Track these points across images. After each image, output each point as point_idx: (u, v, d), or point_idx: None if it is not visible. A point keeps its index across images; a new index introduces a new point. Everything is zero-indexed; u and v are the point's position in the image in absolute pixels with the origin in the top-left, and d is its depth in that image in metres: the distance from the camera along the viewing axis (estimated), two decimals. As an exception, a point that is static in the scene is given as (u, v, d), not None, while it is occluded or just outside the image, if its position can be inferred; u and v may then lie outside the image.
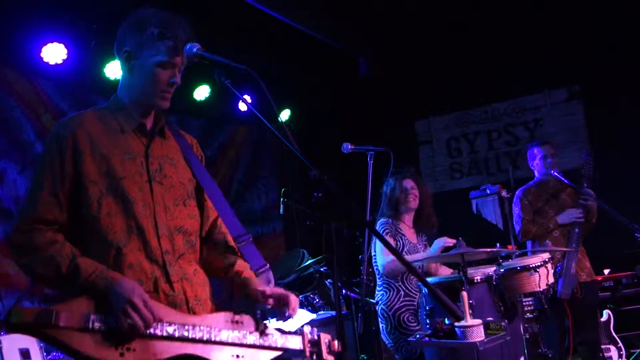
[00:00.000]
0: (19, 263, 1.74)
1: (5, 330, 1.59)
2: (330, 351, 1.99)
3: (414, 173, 4.05)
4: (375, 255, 3.82)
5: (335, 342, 2.02)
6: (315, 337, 1.99)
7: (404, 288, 3.74)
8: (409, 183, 3.94)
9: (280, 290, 1.93)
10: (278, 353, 1.91)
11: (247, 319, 1.88)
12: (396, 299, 3.72)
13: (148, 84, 1.86)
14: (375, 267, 3.87)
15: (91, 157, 1.80)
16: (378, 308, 3.80)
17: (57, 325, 1.53)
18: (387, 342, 3.77)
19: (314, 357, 1.96)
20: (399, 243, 3.79)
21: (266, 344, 1.88)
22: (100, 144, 1.82)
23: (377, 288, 3.86)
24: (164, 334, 1.67)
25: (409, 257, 3.66)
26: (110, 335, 1.60)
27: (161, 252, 1.80)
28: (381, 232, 3.80)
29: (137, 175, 1.83)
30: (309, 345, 1.96)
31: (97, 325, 1.59)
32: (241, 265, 2.03)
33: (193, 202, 1.96)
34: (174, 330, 1.69)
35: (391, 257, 3.65)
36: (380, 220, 3.88)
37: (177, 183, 1.91)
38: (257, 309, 1.91)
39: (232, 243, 2.02)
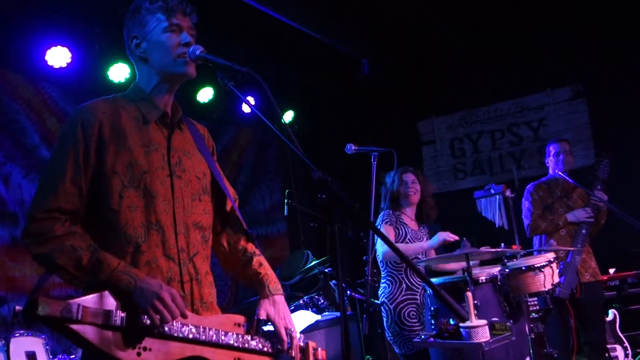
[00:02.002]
0: (35, 253, 1.65)
1: (25, 320, 1.54)
2: (315, 359, 2.03)
3: (415, 169, 4.11)
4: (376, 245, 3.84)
5: (319, 350, 2.04)
6: (303, 345, 2.01)
7: (407, 281, 3.76)
8: (409, 177, 4.01)
9: (279, 328, 1.93)
10: (272, 359, 1.94)
11: (247, 323, 1.90)
12: (398, 292, 3.74)
13: (163, 54, 1.83)
14: (378, 259, 3.89)
15: (115, 147, 1.74)
16: (380, 301, 3.81)
17: (81, 320, 1.50)
18: (386, 335, 3.79)
19: None
20: (400, 231, 3.87)
21: (264, 349, 1.90)
22: (124, 134, 1.77)
23: (382, 280, 3.89)
24: (180, 335, 1.67)
25: (407, 249, 3.70)
26: (129, 334, 1.59)
27: (177, 250, 1.78)
28: (381, 221, 3.86)
29: (159, 169, 1.79)
30: (299, 352, 1.98)
31: (119, 323, 1.57)
32: (258, 261, 2.04)
33: (207, 197, 1.94)
34: (188, 331, 1.70)
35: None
36: (382, 213, 3.95)
37: (194, 177, 1.89)
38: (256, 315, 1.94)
39: (246, 227, 2.04)
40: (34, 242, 1.66)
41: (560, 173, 4.36)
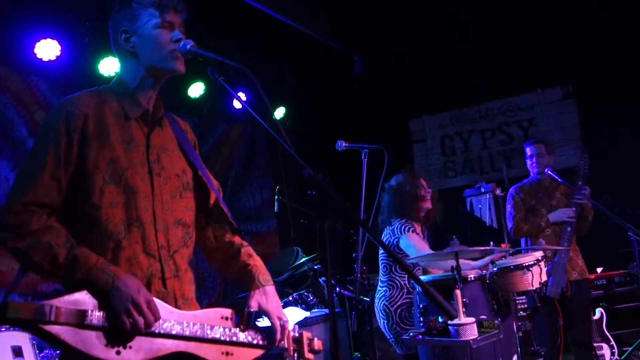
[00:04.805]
0: (11, 247, 1.61)
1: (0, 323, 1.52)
2: (311, 350, 2.00)
3: (419, 170, 4.10)
4: (404, 249, 3.74)
5: (315, 341, 2.02)
6: (297, 335, 1.99)
7: (407, 286, 3.77)
8: (424, 182, 3.99)
9: (272, 318, 1.92)
10: (263, 351, 1.92)
11: (236, 316, 1.88)
12: (399, 296, 3.75)
13: (154, 50, 1.82)
14: (381, 263, 3.88)
15: (98, 143, 1.72)
16: (379, 304, 3.81)
17: (54, 321, 1.49)
18: (388, 337, 3.81)
19: (296, 355, 1.96)
20: None
21: (254, 342, 1.89)
22: (107, 130, 1.76)
23: (380, 284, 3.88)
24: (161, 331, 1.66)
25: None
26: (107, 333, 1.57)
27: (157, 247, 1.77)
28: (406, 229, 3.77)
29: (139, 166, 1.78)
30: (292, 343, 1.96)
31: (95, 322, 1.55)
32: (247, 252, 2.02)
33: (190, 194, 1.93)
34: (171, 327, 1.68)
35: (426, 250, 3.64)
36: (401, 220, 3.84)
37: (173, 175, 1.88)
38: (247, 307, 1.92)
39: (232, 220, 2.02)
40: (9, 236, 1.62)
41: (549, 172, 4.39)
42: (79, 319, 1.53)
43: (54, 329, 1.50)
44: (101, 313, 1.57)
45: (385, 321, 3.76)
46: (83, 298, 1.57)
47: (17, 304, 1.47)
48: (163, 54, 1.82)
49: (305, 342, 1.99)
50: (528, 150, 4.53)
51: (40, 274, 1.64)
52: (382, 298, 3.81)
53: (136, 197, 1.75)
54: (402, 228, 3.79)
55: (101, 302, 1.59)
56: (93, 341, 1.54)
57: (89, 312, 1.55)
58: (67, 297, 1.55)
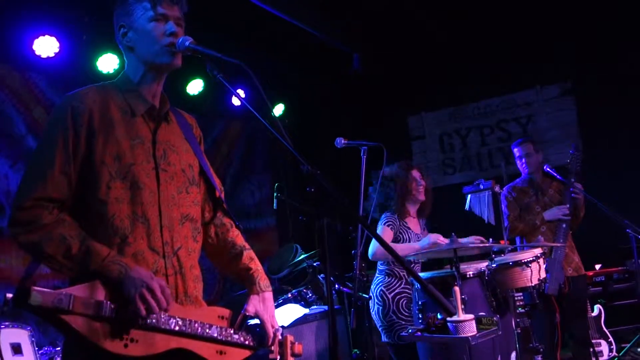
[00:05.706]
0: (24, 241, 1.63)
1: (15, 308, 1.52)
2: (292, 353, 2.04)
3: (418, 165, 4.09)
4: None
5: (296, 345, 2.06)
6: (281, 339, 2.03)
7: (405, 277, 3.78)
8: (417, 174, 3.96)
9: (266, 326, 1.97)
10: (251, 351, 1.97)
11: (232, 316, 1.91)
12: (397, 284, 3.77)
13: (149, 44, 1.82)
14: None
15: (104, 138, 1.73)
16: (376, 289, 3.81)
17: (72, 310, 1.50)
18: (377, 324, 3.79)
19: (279, 357, 2.00)
20: (404, 237, 3.83)
21: (246, 342, 1.92)
22: (112, 125, 1.76)
23: (378, 272, 3.89)
24: (167, 327, 1.68)
25: (399, 249, 3.67)
26: (118, 325, 1.59)
27: (162, 243, 1.77)
28: (384, 223, 3.80)
29: (145, 162, 1.78)
30: (277, 346, 2.01)
31: (108, 313, 1.57)
32: (249, 255, 2.06)
33: (195, 189, 1.93)
34: (175, 324, 1.70)
35: (376, 245, 3.70)
36: (386, 213, 3.88)
37: (179, 170, 1.88)
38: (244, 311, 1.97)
39: (234, 219, 2.06)
40: (22, 231, 1.64)
41: (548, 169, 4.40)
42: (95, 310, 1.55)
43: (70, 318, 1.52)
44: (114, 305, 1.59)
45: (381, 307, 3.75)
46: (96, 289, 1.59)
47: (39, 291, 1.47)
48: (157, 47, 1.82)
49: (288, 345, 2.03)
50: (516, 151, 4.54)
51: (53, 265, 1.64)
52: (380, 284, 3.82)
53: (142, 193, 1.75)
54: (383, 220, 3.84)
55: (113, 293, 1.60)
56: (103, 332, 1.56)
57: (104, 303, 1.57)
58: (80, 287, 1.56)
